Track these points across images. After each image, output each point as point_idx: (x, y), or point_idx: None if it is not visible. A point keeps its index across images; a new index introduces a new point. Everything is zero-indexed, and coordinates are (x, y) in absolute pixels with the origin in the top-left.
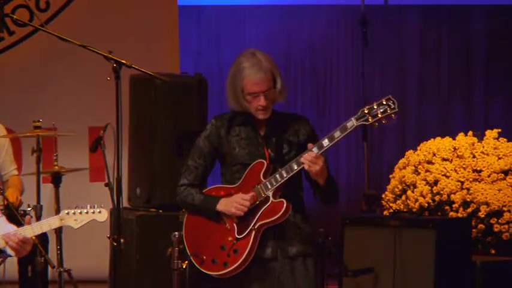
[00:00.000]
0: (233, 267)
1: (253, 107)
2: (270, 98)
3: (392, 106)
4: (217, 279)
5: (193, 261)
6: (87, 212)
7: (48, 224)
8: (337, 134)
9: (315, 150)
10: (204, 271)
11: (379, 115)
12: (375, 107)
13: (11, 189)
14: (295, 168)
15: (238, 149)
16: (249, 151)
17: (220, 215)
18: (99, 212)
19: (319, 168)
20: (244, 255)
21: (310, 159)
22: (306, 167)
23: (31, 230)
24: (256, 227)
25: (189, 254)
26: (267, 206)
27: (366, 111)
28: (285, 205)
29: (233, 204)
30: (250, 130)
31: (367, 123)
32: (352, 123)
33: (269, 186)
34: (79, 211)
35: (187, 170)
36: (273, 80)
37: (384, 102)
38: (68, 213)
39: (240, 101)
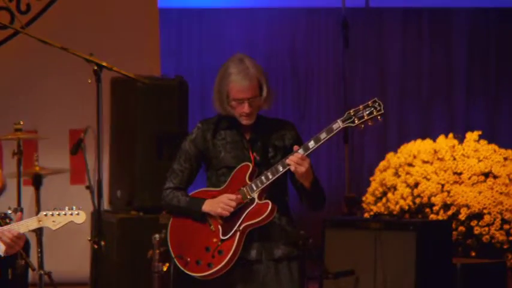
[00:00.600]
0: (217, 268)
1: (237, 113)
2: (254, 105)
3: (378, 108)
4: (202, 281)
5: (177, 263)
6: (65, 214)
7: (26, 225)
8: (323, 136)
9: (300, 151)
10: (189, 273)
11: (365, 117)
12: (361, 109)
13: None
14: (281, 170)
15: (224, 153)
16: (235, 155)
17: (205, 217)
18: (77, 213)
19: (305, 169)
20: (228, 256)
21: (296, 160)
22: (292, 168)
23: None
24: (241, 228)
25: (173, 256)
26: (252, 207)
27: (352, 113)
28: (270, 206)
29: (219, 204)
30: (236, 134)
31: (353, 125)
32: (338, 124)
33: (254, 188)
34: (57, 213)
35: (173, 173)
36: (259, 88)
37: (370, 105)
38: (46, 215)
39: (224, 106)
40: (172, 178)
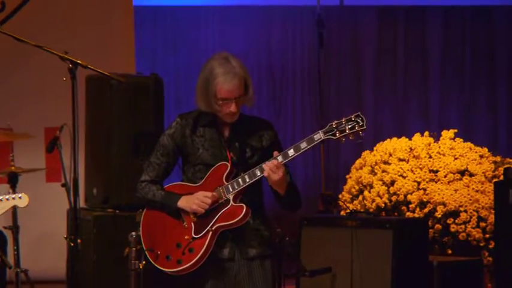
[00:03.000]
0: (187, 265)
1: (224, 112)
2: (240, 104)
3: (361, 123)
4: (173, 277)
5: (148, 256)
6: (7, 199)
7: None
8: (303, 145)
9: (279, 158)
10: (158, 267)
11: (347, 131)
12: (343, 122)
13: None
14: (258, 174)
15: (202, 150)
16: (212, 153)
17: (179, 213)
18: (20, 197)
19: (278, 178)
20: (199, 255)
21: (271, 166)
22: (265, 174)
23: None
24: (213, 228)
25: (144, 248)
26: (226, 208)
27: (334, 126)
28: (244, 210)
29: (194, 200)
30: (215, 132)
31: (334, 137)
32: (319, 136)
33: (230, 190)
34: (0, 198)
35: (150, 166)
36: (245, 87)
37: (353, 119)
38: None
39: (211, 105)
40: (149, 171)
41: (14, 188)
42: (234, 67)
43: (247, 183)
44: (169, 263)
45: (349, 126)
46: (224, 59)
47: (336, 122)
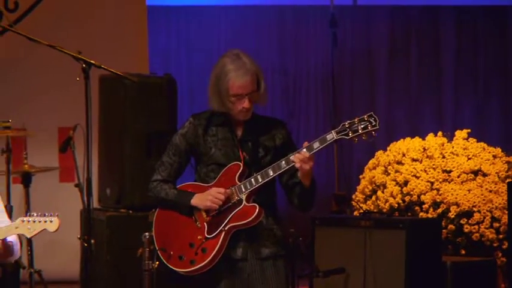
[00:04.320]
0: (199, 265)
1: (237, 109)
2: (253, 100)
3: (374, 123)
4: (185, 276)
5: (160, 256)
6: (39, 221)
7: (2, 232)
8: (316, 145)
9: (292, 158)
10: (171, 267)
11: (360, 131)
12: (356, 122)
13: None
14: (271, 174)
15: (214, 150)
16: (225, 152)
17: (192, 212)
18: (51, 221)
19: (310, 168)
20: (211, 255)
21: (302, 158)
22: (297, 165)
23: None
24: (226, 228)
25: (156, 248)
26: (239, 208)
27: (347, 126)
28: (257, 210)
29: (208, 197)
30: (227, 131)
31: (347, 137)
32: (332, 136)
33: (243, 189)
34: (33, 220)
35: (162, 166)
36: (257, 83)
37: (366, 118)
38: (23, 221)
39: (225, 102)
40: (161, 170)
41: (27, 188)
42: (245, 63)
43: (259, 183)
44: (182, 263)
45: (362, 126)
46: (235, 55)
47: (348, 121)
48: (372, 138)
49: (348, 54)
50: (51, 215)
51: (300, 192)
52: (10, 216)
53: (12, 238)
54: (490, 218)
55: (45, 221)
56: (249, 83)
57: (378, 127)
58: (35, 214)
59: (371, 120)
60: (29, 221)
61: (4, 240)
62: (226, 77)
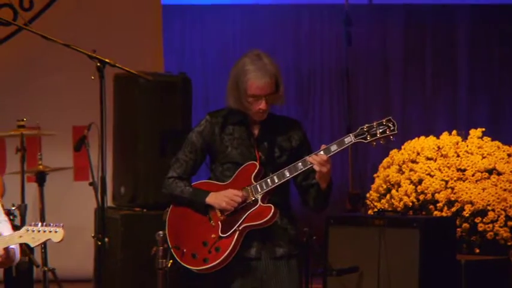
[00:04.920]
0: (213, 264)
1: (254, 109)
2: (270, 102)
3: (392, 128)
4: (199, 274)
5: (174, 253)
6: (44, 231)
7: (5, 241)
8: (334, 148)
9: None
10: (184, 264)
11: (378, 135)
12: (375, 126)
13: None
14: (287, 175)
15: (231, 148)
16: (241, 151)
17: (206, 210)
18: (56, 231)
19: (327, 170)
20: (225, 254)
21: (319, 160)
22: (316, 168)
23: None
24: (240, 228)
25: (170, 246)
26: (254, 209)
27: (365, 129)
28: (272, 210)
29: (224, 198)
30: (244, 131)
31: (365, 141)
32: (350, 139)
33: (259, 190)
34: (38, 229)
35: (177, 162)
36: (276, 85)
37: (384, 123)
38: (27, 231)
39: (242, 102)
40: (176, 167)
41: (41, 187)
42: (265, 64)
43: (275, 184)
44: (195, 261)
45: (380, 130)
46: (256, 56)
47: (367, 125)
48: (389, 142)
49: (363, 53)
50: (56, 225)
51: (315, 194)
52: (24, 214)
53: (13, 245)
54: (504, 217)
55: (50, 231)
56: (267, 85)
57: (396, 132)
58: (40, 224)
59: (389, 124)
60: (33, 231)
61: (7, 248)
62: (245, 77)
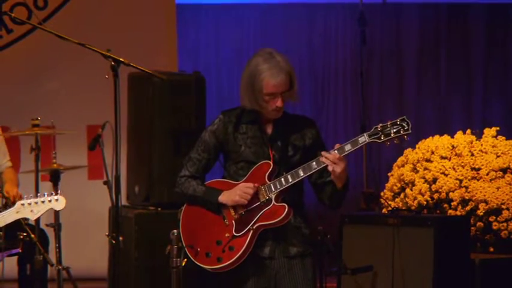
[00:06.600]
0: (226, 263)
1: (270, 107)
2: (285, 99)
3: (406, 127)
4: (213, 273)
5: (187, 252)
6: (43, 201)
7: (3, 219)
8: (348, 148)
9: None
10: (198, 263)
11: (392, 134)
12: (389, 125)
13: (8, 184)
14: (301, 174)
15: (244, 147)
16: (254, 150)
17: (220, 209)
18: (56, 199)
19: (341, 170)
20: (239, 254)
21: (332, 159)
22: (329, 168)
23: None
24: (254, 227)
25: (184, 245)
26: (268, 208)
27: (379, 129)
28: (286, 210)
29: (236, 192)
30: (257, 129)
31: (379, 141)
32: (364, 138)
33: (273, 189)
34: (35, 201)
35: (190, 161)
36: (290, 81)
37: (398, 122)
38: (23, 205)
39: (258, 101)
40: (189, 166)
41: (56, 186)
42: (279, 61)
43: (289, 183)
44: (208, 260)
45: (395, 130)
46: (269, 54)
47: (381, 125)
48: (403, 142)
49: (377, 52)
50: (52, 194)
51: (331, 193)
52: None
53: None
54: None
55: (50, 200)
56: (283, 82)
57: (410, 131)
58: (32, 195)
59: (403, 124)
60: (30, 204)
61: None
62: (260, 76)
